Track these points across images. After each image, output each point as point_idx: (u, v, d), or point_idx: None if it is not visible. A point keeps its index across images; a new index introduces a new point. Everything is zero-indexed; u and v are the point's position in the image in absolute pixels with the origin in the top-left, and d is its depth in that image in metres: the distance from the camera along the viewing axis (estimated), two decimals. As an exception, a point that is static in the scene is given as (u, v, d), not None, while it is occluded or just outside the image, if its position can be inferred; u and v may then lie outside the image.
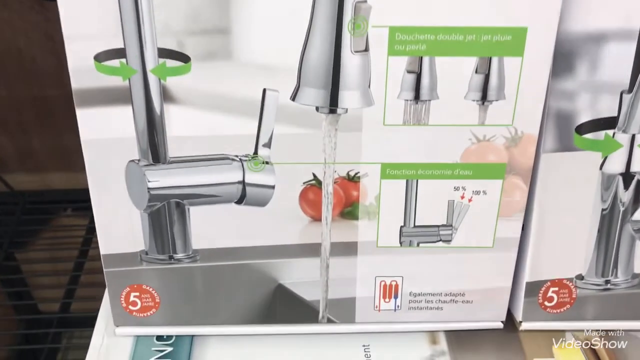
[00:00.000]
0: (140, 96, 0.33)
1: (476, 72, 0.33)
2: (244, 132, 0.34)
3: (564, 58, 0.33)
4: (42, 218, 0.75)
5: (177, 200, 0.36)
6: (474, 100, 0.34)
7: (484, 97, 0.33)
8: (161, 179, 0.35)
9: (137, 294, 0.39)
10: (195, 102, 0.33)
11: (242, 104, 0.33)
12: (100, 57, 0.32)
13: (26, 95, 0.71)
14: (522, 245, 0.38)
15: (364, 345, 0.40)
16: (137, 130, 0.34)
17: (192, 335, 0.41)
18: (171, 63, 0.32)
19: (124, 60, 0.32)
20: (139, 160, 0.35)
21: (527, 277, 0.39)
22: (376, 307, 0.40)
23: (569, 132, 0.35)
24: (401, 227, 0.37)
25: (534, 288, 0.39)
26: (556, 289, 0.39)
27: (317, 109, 0.33)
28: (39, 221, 0.74)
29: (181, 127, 0.34)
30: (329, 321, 0.40)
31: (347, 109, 0.33)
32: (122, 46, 0.32)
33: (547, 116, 0.34)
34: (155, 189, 0.35)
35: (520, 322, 0.41)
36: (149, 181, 0.35)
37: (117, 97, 0.33)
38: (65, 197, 0.74)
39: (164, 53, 0.32)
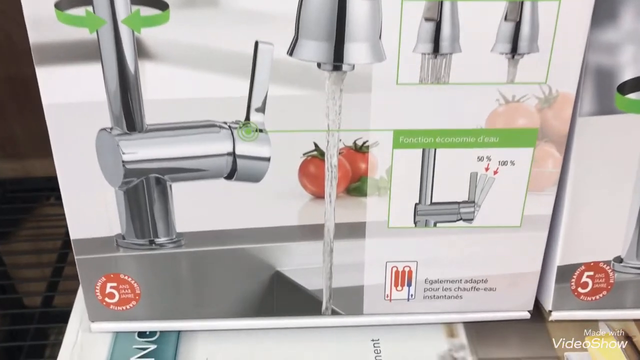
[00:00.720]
0: (110, 51, 0.30)
1: (505, 19, 0.30)
2: (234, 94, 0.32)
3: (607, 3, 0.30)
4: (24, 207, 0.73)
5: (157, 175, 0.34)
6: (502, 53, 0.31)
7: (514, 50, 0.31)
8: (138, 150, 0.33)
9: (114, 284, 0.37)
10: (175, 58, 0.31)
11: (231, 60, 0.31)
12: (62, 5, 0.29)
13: (2, 76, 0.68)
14: (553, 224, 0.36)
15: (373, 340, 0.39)
16: (108, 93, 0.31)
17: (179, 331, 0.39)
18: (146, 11, 0.30)
19: (90, 8, 0.29)
20: (111, 128, 0.32)
21: (558, 260, 0.37)
22: (387, 296, 0.38)
23: (610, 91, 0.32)
24: (416, 204, 0.35)
25: (566, 273, 0.37)
26: (591, 273, 0.37)
27: (318, 65, 0.31)
28: (21, 210, 0.72)
29: (160, 88, 0.31)
30: (334, 313, 0.38)
31: (353, 65, 0.31)
32: (88, -9, 0.29)
33: (585, 73, 0.32)
34: (131, 163, 0.33)
35: (550, 311, 0.39)
36: (123, 153, 0.32)
37: (83, 53, 0.30)
38: (47, 185, 0.72)
39: (138, -1, 0.30)
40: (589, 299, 0.39)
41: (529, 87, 0.32)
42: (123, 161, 0.33)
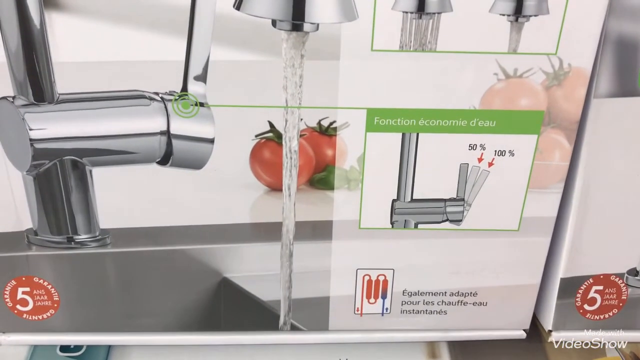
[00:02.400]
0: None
1: (509, -30, 0.28)
2: (167, 58, 0.29)
3: (635, -44, 0.28)
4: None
5: (74, 157, 0.31)
6: (503, 15, 0.29)
7: (518, 11, 0.29)
8: (49, 125, 0.30)
9: (27, 289, 0.35)
10: (92, 9, 0.28)
11: (163, 15, 0.28)
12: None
13: None
14: (557, 229, 0.35)
15: (340, 360, 0.37)
16: (7, 52, 0.29)
17: (109, 346, 0.38)
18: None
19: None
20: (13, 97, 0.30)
21: (562, 271, 0.36)
22: (357, 310, 0.37)
23: (634, 68, 0.31)
24: (393, 201, 0.34)
25: (570, 286, 0.36)
26: (601, 287, 0.36)
27: (274, 23, 0.29)
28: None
29: (73, 48, 0.29)
30: (294, 328, 0.37)
31: (317, 25, 0.29)
32: None
33: (605, 44, 0.30)
34: (40, 141, 0.30)
35: (550, 331, 0.38)
36: (30, 129, 0.30)
37: (-28, -1, 0.27)
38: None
39: None
40: (596, 317, 0.37)
41: (535, 59, 0.30)
42: (31, 139, 0.30)
